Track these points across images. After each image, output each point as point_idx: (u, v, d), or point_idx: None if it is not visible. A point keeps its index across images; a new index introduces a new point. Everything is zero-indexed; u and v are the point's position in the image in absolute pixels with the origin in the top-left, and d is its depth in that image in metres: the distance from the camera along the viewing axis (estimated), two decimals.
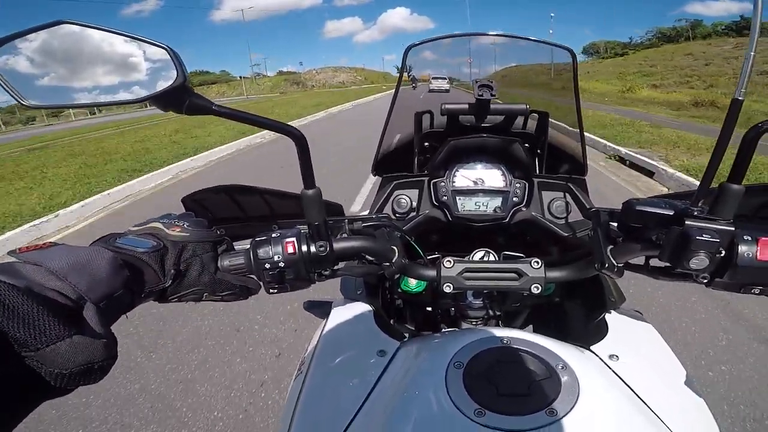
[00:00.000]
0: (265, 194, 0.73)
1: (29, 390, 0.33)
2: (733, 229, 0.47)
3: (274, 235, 0.54)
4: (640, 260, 0.58)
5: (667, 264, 0.52)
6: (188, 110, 0.43)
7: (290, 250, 0.53)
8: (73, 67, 0.43)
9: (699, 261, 0.48)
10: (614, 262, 0.57)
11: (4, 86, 0.40)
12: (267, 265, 0.53)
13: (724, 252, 0.48)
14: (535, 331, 1.00)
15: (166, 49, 0.41)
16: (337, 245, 0.56)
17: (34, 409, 0.34)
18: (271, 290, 0.56)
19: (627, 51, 68.49)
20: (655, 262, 0.56)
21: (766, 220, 0.59)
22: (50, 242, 0.41)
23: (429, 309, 1.01)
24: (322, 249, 0.54)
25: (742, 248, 0.48)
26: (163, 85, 0.41)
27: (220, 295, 0.55)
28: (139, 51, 0.43)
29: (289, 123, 0.49)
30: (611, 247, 0.58)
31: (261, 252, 0.53)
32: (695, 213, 0.48)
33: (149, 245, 0.48)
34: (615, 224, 0.60)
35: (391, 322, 0.98)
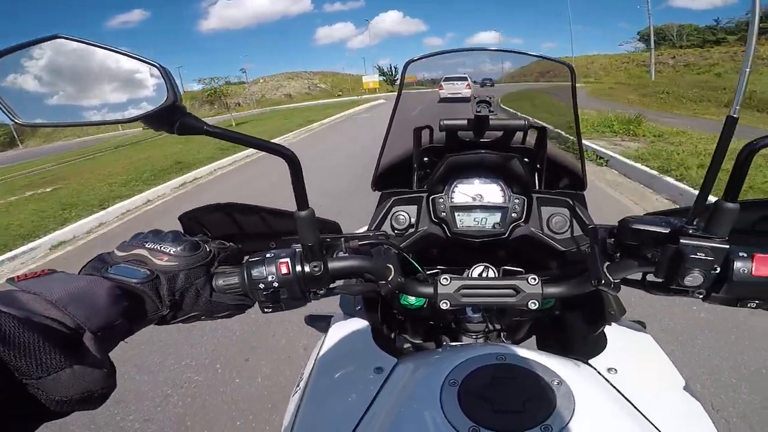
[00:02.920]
0: (262, 212, 0.73)
1: (29, 414, 0.34)
2: (727, 246, 0.48)
3: (267, 255, 0.55)
4: (637, 275, 0.59)
5: (663, 280, 0.53)
6: (179, 130, 0.43)
7: (284, 270, 0.53)
8: (65, 84, 0.44)
9: (693, 278, 0.49)
10: (610, 278, 0.57)
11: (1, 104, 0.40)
12: (261, 285, 0.53)
13: (719, 269, 0.49)
14: (538, 343, 1.01)
15: (158, 68, 0.41)
16: (332, 265, 0.56)
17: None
18: (265, 309, 0.56)
19: (723, 37, 51.16)
20: (651, 278, 0.56)
21: (762, 235, 0.59)
22: (49, 269, 0.42)
23: (431, 323, 1.01)
24: (316, 269, 0.54)
25: (738, 264, 0.49)
26: (154, 104, 0.41)
27: (218, 317, 0.56)
28: (131, 69, 0.43)
29: None
30: (608, 263, 0.58)
31: (255, 272, 0.53)
32: (690, 231, 0.49)
33: (142, 275, 0.48)
34: (612, 241, 0.61)
35: (393, 335, 0.98)
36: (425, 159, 1.00)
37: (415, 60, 0.95)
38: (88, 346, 0.37)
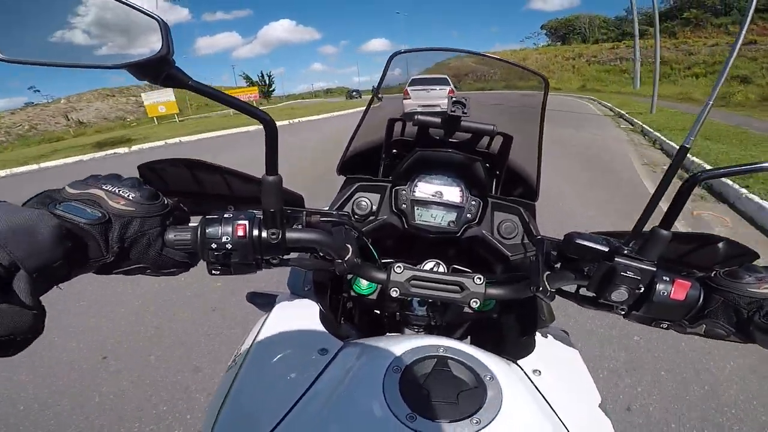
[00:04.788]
0: (226, 174, 0.71)
1: None
2: (654, 269, 0.53)
3: (226, 215, 0.53)
4: (571, 288, 0.63)
5: (593, 294, 0.57)
6: (164, 81, 0.43)
7: (240, 233, 0.52)
8: (59, 25, 0.42)
9: (619, 294, 0.53)
10: (548, 287, 0.61)
11: None
12: (213, 245, 0.52)
13: (643, 288, 0.53)
14: (473, 342, 1.03)
15: (156, 20, 0.41)
16: (290, 235, 0.56)
17: None
18: (213, 271, 0.55)
19: (645, 29, 39.19)
20: (583, 292, 0.61)
21: (686, 266, 0.65)
22: None
23: (377, 312, 1.03)
24: (273, 236, 0.54)
25: (659, 287, 0.54)
26: (146, 54, 0.40)
27: (163, 273, 0.54)
28: (128, 18, 0.42)
29: None
30: (548, 273, 0.62)
31: (210, 230, 0.52)
32: (625, 252, 0.54)
33: (93, 216, 0.45)
34: (555, 252, 0.64)
35: (339, 320, 0.99)
36: (394, 150, 1.02)
37: (402, 53, 0.96)
38: (20, 286, 0.35)
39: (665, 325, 0.58)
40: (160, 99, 26.56)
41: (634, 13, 25.68)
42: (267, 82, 58.23)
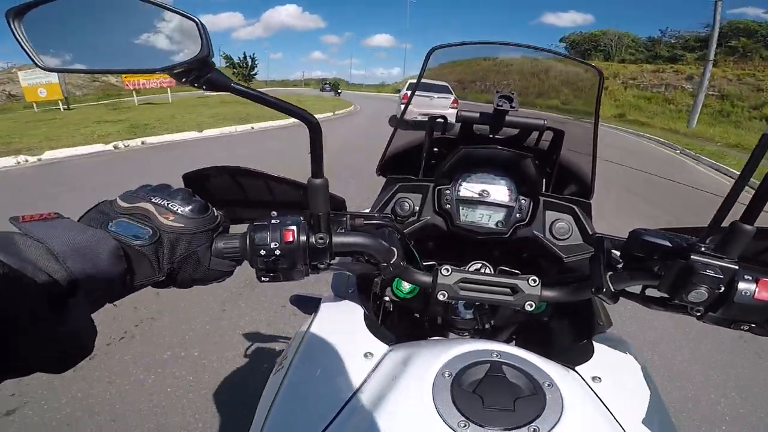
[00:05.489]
0: (269, 179, 0.71)
1: None
2: (736, 267, 0.48)
3: (273, 221, 0.53)
4: (635, 288, 0.59)
5: (664, 295, 0.53)
6: (207, 84, 0.42)
7: (289, 238, 0.51)
8: (97, 31, 0.43)
9: (698, 294, 0.49)
10: (612, 288, 0.57)
11: (26, 49, 0.39)
12: (262, 252, 0.51)
13: (723, 288, 0.49)
14: (518, 345, 0.99)
15: (195, 22, 0.41)
16: (336, 239, 0.55)
17: None
18: (262, 278, 0.54)
19: (682, 54, 40.32)
20: (651, 292, 0.57)
21: (764, 264, 0.59)
22: (55, 213, 0.40)
23: (417, 315, 1.00)
24: (321, 241, 0.53)
25: (742, 286, 0.49)
26: (187, 56, 0.40)
27: (209, 282, 0.54)
28: (166, 21, 0.42)
29: None
30: (611, 273, 0.58)
31: (258, 237, 0.51)
32: (702, 249, 0.49)
33: (146, 236, 0.45)
34: (616, 252, 0.60)
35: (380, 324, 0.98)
36: (435, 149, 0.99)
37: (441, 47, 0.92)
38: (76, 305, 0.35)
39: (746, 327, 0.53)
40: (41, 80, 18.79)
41: (715, 24, 17.39)
42: (249, 65, 52.35)
